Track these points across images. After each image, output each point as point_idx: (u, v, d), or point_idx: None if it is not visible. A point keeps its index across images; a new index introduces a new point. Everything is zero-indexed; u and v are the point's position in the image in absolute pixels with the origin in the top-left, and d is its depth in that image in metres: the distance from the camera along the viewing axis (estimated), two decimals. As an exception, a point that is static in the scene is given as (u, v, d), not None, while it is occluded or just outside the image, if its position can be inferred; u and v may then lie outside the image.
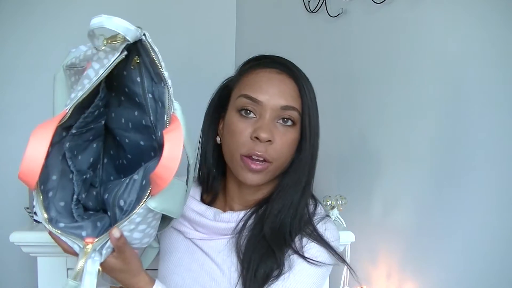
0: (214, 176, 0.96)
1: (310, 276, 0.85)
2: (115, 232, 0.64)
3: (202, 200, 0.97)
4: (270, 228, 0.86)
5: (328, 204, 1.34)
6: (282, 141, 0.86)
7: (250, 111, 0.86)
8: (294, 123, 0.87)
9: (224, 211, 0.92)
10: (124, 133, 0.75)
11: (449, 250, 1.16)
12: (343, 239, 1.24)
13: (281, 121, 0.86)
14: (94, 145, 0.76)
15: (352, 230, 1.26)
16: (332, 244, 0.89)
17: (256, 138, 0.84)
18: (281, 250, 0.84)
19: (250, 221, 0.89)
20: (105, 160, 0.80)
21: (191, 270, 0.88)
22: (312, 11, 1.68)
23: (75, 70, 0.70)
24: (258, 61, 0.92)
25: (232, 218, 0.89)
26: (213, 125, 0.94)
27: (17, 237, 1.11)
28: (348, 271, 1.32)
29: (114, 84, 0.72)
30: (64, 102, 0.66)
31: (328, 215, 0.96)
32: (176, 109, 0.65)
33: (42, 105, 1.91)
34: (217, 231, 0.90)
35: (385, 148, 1.37)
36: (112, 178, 0.79)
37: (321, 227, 0.90)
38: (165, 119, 0.65)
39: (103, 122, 0.75)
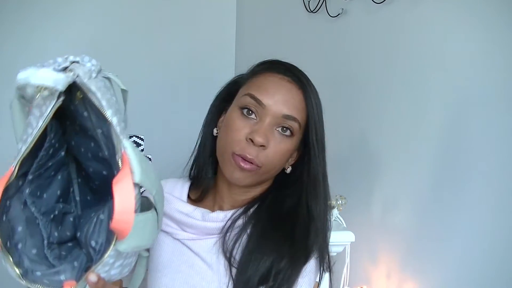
0: (206, 170, 0.95)
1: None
2: (92, 277, 0.61)
3: (189, 197, 0.96)
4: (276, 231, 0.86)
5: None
6: (276, 149, 0.85)
7: (252, 112, 0.85)
8: (292, 134, 0.87)
9: (213, 210, 0.92)
10: (86, 161, 0.71)
11: (449, 250, 1.15)
12: (343, 239, 1.24)
13: (280, 129, 0.86)
14: (59, 177, 0.72)
15: (352, 230, 1.26)
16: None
17: (251, 140, 0.84)
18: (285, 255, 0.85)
19: (240, 221, 0.89)
20: (77, 185, 0.75)
21: (181, 271, 0.87)
22: (312, 11, 1.68)
23: (25, 102, 0.68)
24: (272, 65, 0.92)
25: (221, 218, 0.89)
26: (215, 117, 0.94)
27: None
28: (348, 271, 1.32)
29: (67, 113, 0.68)
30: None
31: None
32: (127, 147, 0.60)
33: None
34: (206, 231, 0.89)
35: (385, 148, 1.37)
36: (88, 198, 0.75)
37: None
38: (117, 159, 0.61)
39: (62, 153, 0.71)
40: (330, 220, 0.93)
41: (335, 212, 1.32)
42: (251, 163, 0.84)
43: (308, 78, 0.92)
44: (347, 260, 1.31)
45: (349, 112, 1.53)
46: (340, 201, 1.34)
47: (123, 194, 0.56)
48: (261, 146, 0.84)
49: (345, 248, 1.30)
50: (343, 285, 1.33)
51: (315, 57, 1.69)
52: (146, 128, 1.71)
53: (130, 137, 1.27)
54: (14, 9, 1.87)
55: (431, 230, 1.21)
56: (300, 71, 0.92)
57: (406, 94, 1.29)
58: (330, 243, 1.22)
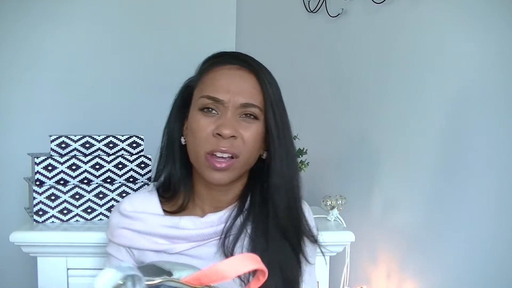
0: (180, 180, 0.93)
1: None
2: None
3: (164, 210, 0.92)
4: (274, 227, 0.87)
5: (328, 204, 1.34)
6: (247, 135, 0.85)
7: (212, 109, 0.85)
8: (256, 118, 0.87)
9: (200, 216, 0.90)
10: None
11: (449, 250, 1.16)
12: (343, 239, 1.24)
13: (243, 116, 0.86)
14: None
15: (352, 230, 1.26)
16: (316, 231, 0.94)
17: (219, 134, 0.83)
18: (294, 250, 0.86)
19: (238, 221, 0.88)
20: None
21: None
22: (312, 11, 1.68)
23: None
24: (217, 58, 0.91)
25: (216, 221, 0.88)
26: (177, 126, 0.93)
27: (17, 237, 1.11)
28: (348, 271, 1.32)
29: None
30: None
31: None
32: None
33: (42, 105, 1.92)
34: (203, 237, 0.88)
35: (385, 148, 1.37)
36: None
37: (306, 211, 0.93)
38: None
39: None
40: (299, 187, 0.92)
41: (335, 212, 1.32)
42: (228, 158, 0.84)
43: (256, 60, 0.91)
44: (347, 260, 1.31)
45: (349, 112, 1.53)
46: (340, 201, 1.34)
47: None
48: (231, 137, 0.84)
49: (345, 248, 1.30)
50: (343, 285, 1.33)
51: (315, 57, 1.69)
52: (146, 128, 1.71)
53: (130, 137, 1.27)
54: (14, 8, 1.87)
55: (431, 230, 1.21)
56: (247, 55, 0.91)
57: (406, 94, 1.29)
58: (330, 243, 1.23)
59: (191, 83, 0.92)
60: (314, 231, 0.94)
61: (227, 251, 0.85)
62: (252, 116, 0.86)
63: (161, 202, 0.93)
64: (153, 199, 0.93)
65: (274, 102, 0.88)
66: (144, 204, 0.92)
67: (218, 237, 0.88)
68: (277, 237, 0.86)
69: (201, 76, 0.90)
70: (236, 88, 0.85)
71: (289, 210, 0.88)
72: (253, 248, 0.85)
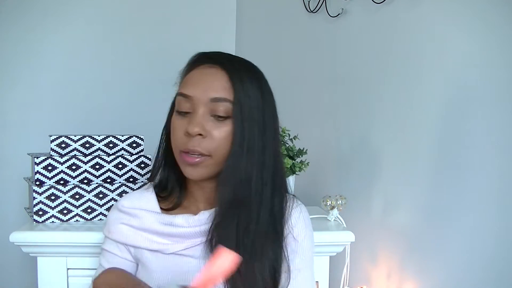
0: (174, 180, 0.95)
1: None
2: None
3: (161, 208, 0.94)
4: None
5: (328, 204, 1.33)
6: (216, 133, 0.85)
7: (186, 111, 0.86)
8: (229, 116, 0.86)
9: (195, 213, 0.91)
10: None
11: (449, 250, 1.15)
12: (343, 239, 1.24)
13: (215, 115, 0.86)
14: None
15: (352, 230, 1.26)
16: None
17: (188, 133, 0.84)
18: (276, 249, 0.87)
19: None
20: None
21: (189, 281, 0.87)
22: (312, 11, 1.68)
23: None
24: (194, 59, 0.92)
25: (206, 219, 0.88)
26: (169, 128, 0.94)
27: (17, 237, 1.11)
28: (348, 271, 1.32)
29: None
30: None
31: (293, 195, 0.96)
32: None
33: (42, 105, 1.92)
34: (197, 234, 0.89)
35: (385, 148, 1.37)
36: None
37: (296, 212, 0.92)
38: None
39: None
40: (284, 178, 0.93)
41: (335, 212, 1.32)
42: (200, 154, 0.85)
43: (232, 57, 0.91)
44: (347, 260, 1.31)
45: (349, 112, 1.53)
46: (340, 201, 1.34)
47: None
48: (198, 135, 0.84)
49: (345, 248, 1.30)
50: (343, 285, 1.33)
51: (315, 57, 1.69)
52: (146, 128, 1.71)
53: (130, 137, 1.27)
54: (14, 8, 1.87)
55: (431, 230, 1.21)
56: (222, 53, 0.91)
57: (406, 94, 1.29)
58: (330, 243, 1.23)
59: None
60: (291, 230, 0.91)
61: (213, 250, 0.85)
62: (223, 116, 0.86)
63: (158, 200, 0.94)
64: (150, 197, 0.94)
65: (245, 98, 0.86)
66: (142, 201, 0.94)
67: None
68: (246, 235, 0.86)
69: (181, 79, 0.92)
70: (206, 84, 0.86)
71: (240, 211, 0.87)
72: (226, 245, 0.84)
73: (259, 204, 0.88)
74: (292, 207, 0.93)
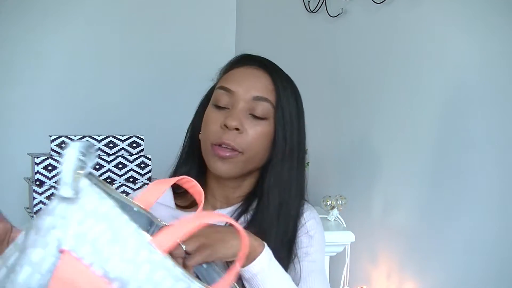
0: (195, 177, 0.94)
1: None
2: None
3: (177, 205, 0.93)
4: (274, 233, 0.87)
5: (328, 204, 1.34)
6: (252, 132, 0.86)
7: (225, 106, 0.87)
8: (266, 117, 0.87)
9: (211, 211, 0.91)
10: None
11: (449, 250, 1.16)
12: (343, 239, 1.24)
13: (253, 113, 0.87)
14: None
15: (352, 230, 1.26)
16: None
17: (225, 126, 0.84)
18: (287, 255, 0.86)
19: (242, 219, 0.89)
20: None
21: None
22: (312, 11, 1.68)
23: None
24: (238, 59, 0.94)
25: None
26: (198, 122, 0.94)
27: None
28: (348, 271, 1.32)
29: None
30: None
31: (306, 200, 0.97)
32: None
33: (42, 105, 1.92)
34: None
35: (385, 148, 1.37)
36: None
37: (307, 211, 0.93)
38: None
39: None
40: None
41: (335, 212, 1.33)
42: (232, 149, 0.85)
43: (276, 65, 0.93)
44: (347, 260, 1.31)
45: (349, 112, 1.53)
46: (340, 201, 1.34)
47: None
48: (235, 129, 0.84)
49: (345, 248, 1.30)
50: (343, 285, 1.33)
51: (315, 57, 1.69)
52: (146, 128, 1.71)
53: (130, 137, 1.27)
54: (14, 8, 1.87)
55: (431, 230, 1.21)
56: (267, 60, 0.93)
57: (406, 94, 1.29)
58: (330, 243, 1.23)
59: (215, 83, 0.95)
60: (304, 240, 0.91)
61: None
62: (260, 116, 0.87)
63: (174, 197, 0.94)
64: (167, 191, 0.94)
65: (287, 104, 0.88)
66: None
67: None
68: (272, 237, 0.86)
69: (222, 76, 0.93)
70: (250, 83, 0.87)
71: (280, 212, 0.88)
72: None
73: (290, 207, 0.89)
74: (304, 208, 0.94)
